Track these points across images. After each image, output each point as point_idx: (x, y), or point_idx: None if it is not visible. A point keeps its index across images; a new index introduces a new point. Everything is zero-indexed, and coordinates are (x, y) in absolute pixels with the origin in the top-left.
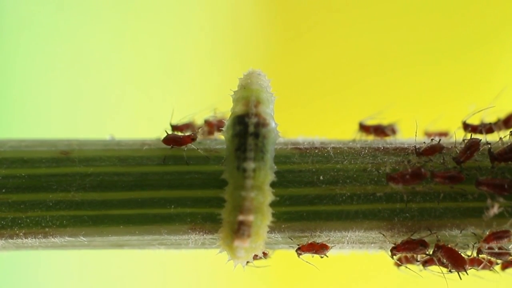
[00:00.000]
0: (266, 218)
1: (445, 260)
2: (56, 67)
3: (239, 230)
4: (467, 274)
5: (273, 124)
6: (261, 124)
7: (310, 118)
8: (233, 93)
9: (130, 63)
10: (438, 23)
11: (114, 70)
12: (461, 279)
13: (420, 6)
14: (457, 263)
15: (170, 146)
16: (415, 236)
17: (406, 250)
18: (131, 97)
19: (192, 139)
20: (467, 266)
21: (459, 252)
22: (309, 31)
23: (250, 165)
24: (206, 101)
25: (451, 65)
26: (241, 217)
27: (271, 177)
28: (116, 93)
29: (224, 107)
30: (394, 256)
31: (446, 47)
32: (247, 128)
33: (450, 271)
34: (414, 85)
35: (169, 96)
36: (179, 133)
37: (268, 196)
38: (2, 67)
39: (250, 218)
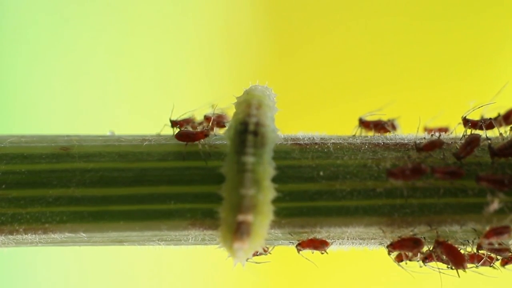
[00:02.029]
0: (267, 217)
1: (444, 257)
2: (57, 62)
3: (238, 230)
4: (465, 272)
5: (272, 126)
6: (261, 124)
7: (310, 114)
8: (236, 99)
9: (130, 61)
10: (438, 19)
11: (115, 66)
12: (459, 277)
13: (419, 4)
14: (456, 260)
15: (184, 142)
16: (415, 232)
17: (401, 248)
18: (131, 93)
19: (205, 135)
20: (466, 264)
21: (459, 250)
22: (309, 26)
23: (249, 159)
24: (205, 100)
25: (451, 60)
26: (240, 217)
27: (270, 171)
28: (116, 89)
29: (222, 105)
30: (390, 253)
31: (446, 42)
32: (247, 127)
33: (450, 267)
34: (414, 81)
35: (169, 93)
36: (185, 129)
37: (269, 193)
38: (2, 62)
39: (250, 218)
